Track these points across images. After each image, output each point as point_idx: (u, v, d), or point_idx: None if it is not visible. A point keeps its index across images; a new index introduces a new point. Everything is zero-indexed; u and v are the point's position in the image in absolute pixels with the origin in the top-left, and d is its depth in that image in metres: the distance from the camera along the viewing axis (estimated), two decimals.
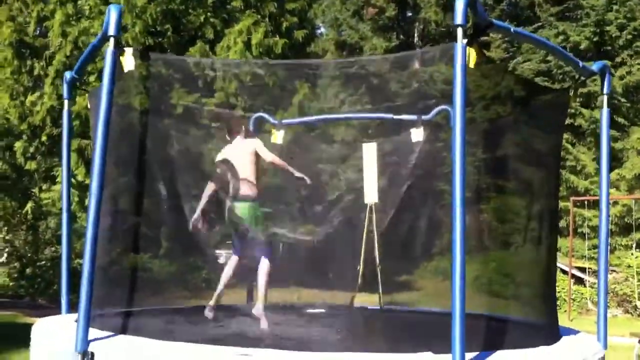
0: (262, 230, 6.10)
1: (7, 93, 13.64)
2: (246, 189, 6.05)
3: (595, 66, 5.53)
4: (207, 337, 4.89)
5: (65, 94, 6.10)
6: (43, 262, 16.96)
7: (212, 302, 6.12)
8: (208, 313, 6.05)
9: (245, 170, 6.09)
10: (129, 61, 4.50)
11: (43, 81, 13.63)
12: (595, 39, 21.94)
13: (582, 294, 16.86)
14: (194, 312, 6.36)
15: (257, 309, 6.01)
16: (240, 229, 6.13)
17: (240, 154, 6.17)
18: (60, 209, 7.28)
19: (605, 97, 5.58)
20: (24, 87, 13.75)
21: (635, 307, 15.65)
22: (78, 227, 11.91)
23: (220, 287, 6.21)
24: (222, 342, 4.25)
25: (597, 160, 11.70)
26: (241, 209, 6.06)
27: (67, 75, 6.04)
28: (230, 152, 6.29)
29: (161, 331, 4.99)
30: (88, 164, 12.31)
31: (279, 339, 5.26)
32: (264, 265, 6.11)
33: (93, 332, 4.20)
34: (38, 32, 14.80)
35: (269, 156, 6.15)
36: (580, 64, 5.47)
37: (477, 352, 3.96)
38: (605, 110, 5.58)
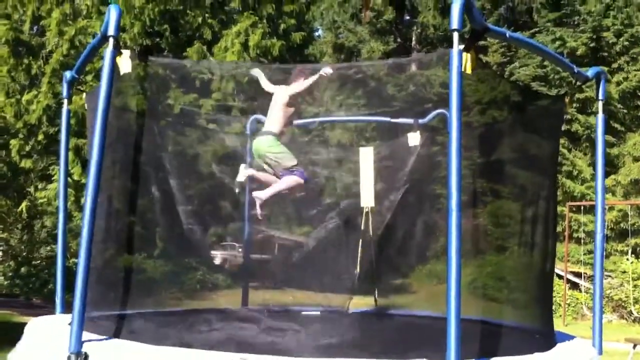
0: (287, 160, 6.08)
1: (3, 91, 13.62)
2: (269, 127, 6.16)
3: (590, 72, 5.54)
4: (201, 340, 4.88)
5: (64, 93, 6.10)
6: (38, 262, 16.94)
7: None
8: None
9: (275, 109, 6.21)
10: (125, 64, 4.50)
11: (39, 80, 13.61)
12: (592, 45, 21.99)
13: (577, 299, 16.87)
14: (188, 315, 6.34)
15: (261, 193, 6.09)
16: (266, 162, 6.17)
17: (277, 97, 6.27)
18: (56, 208, 7.27)
19: (600, 103, 5.60)
20: (20, 85, 13.73)
21: (630, 313, 15.67)
22: (73, 226, 11.89)
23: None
24: (215, 346, 4.23)
25: (593, 165, 11.73)
26: (259, 141, 6.14)
27: (67, 74, 6.03)
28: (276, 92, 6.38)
29: (154, 334, 4.98)
30: (84, 163, 12.29)
31: (273, 343, 5.24)
32: (291, 178, 6.11)
33: (87, 333, 4.18)
34: (34, 30, 14.78)
35: (298, 87, 6.20)
36: (576, 69, 5.48)
37: (473, 359, 3.95)
38: (600, 116, 5.60)
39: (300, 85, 6.20)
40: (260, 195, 6.13)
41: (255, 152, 6.21)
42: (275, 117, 6.17)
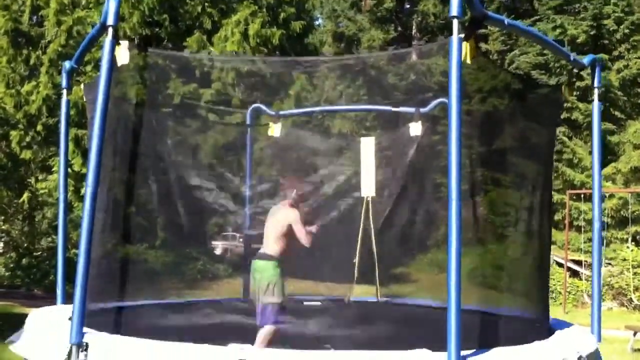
0: (275, 293, 5.97)
1: (3, 82, 13.60)
2: (269, 249, 6.11)
3: (585, 59, 5.54)
4: (202, 332, 4.89)
5: (64, 83, 6.07)
6: (39, 253, 16.96)
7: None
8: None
9: (274, 233, 6.14)
10: (123, 55, 4.48)
11: (39, 70, 13.59)
12: (592, 33, 21.92)
13: (577, 286, 16.91)
14: (189, 307, 6.35)
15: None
16: (257, 285, 6.07)
17: (277, 219, 6.22)
18: (57, 199, 7.27)
19: (596, 90, 5.60)
20: (20, 76, 13.71)
21: (631, 300, 15.70)
22: (74, 217, 11.90)
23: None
24: (216, 338, 4.24)
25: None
26: (259, 266, 6.08)
27: (67, 64, 6.00)
28: (272, 212, 6.37)
29: (155, 324, 5.00)
30: (84, 153, 12.30)
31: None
32: (265, 330, 5.93)
33: (88, 324, 4.19)
34: (34, 21, 14.75)
35: (299, 234, 6.12)
36: (571, 57, 5.48)
37: (474, 350, 3.96)
38: (596, 103, 5.60)
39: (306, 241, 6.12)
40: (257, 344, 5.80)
41: (253, 270, 6.12)
42: (272, 240, 6.11)
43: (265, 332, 5.88)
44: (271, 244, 6.10)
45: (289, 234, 6.11)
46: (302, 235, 6.10)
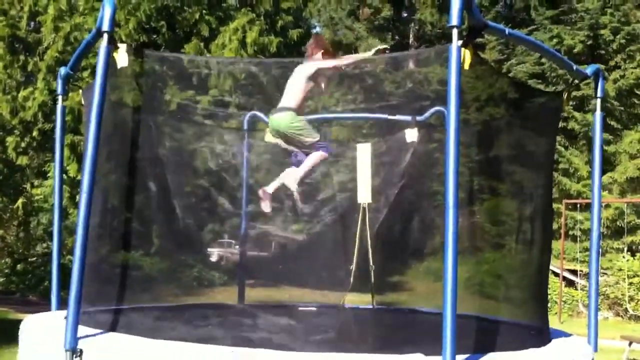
0: (309, 135, 5.89)
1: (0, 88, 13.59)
2: (286, 102, 5.93)
3: (588, 69, 5.52)
4: (197, 335, 4.87)
5: (59, 90, 6.06)
6: (34, 258, 16.92)
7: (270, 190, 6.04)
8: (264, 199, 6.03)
9: (295, 87, 5.96)
10: (122, 58, 4.48)
11: (35, 76, 13.58)
12: (589, 43, 22.01)
13: (573, 296, 16.90)
14: (184, 310, 6.33)
15: (292, 182, 5.97)
16: (286, 140, 5.97)
17: (298, 74, 6.02)
18: (52, 205, 7.25)
19: (598, 101, 5.58)
20: (16, 82, 13.69)
21: (626, 310, 15.70)
22: (69, 223, 11.87)
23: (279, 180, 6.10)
24: (211, 341, 4.23)
25: (590, 163, 11.70)
26: (278, 118, 5.91)
27: (62, 70, 6.00)
28: (296, 70, 6.12)
29: (150, 329, 4.97)
30: (80, 159, 12.27)
31: (269, 337, 5.23)
32: (317, 153, 5.94)
33: (82, 330, 4.17)
34: (31, 26, 14.75)
35: (330, 64, 6.01)
36: (574, 67, 5.47)
37: (468, 355, 3.95)
38: (598, 113, 5.58)
39: (335, 61, 6.02)
40: (292, 184, 5.97)
41: (273, 129, 5.95)
42: (293, 92, 5.91)
43: (318, 154, 5.90)
44: (291, 98, 5.90)
45: (309, 89, 5.97)
46: (332, 63, 5.97)
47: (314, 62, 5.96)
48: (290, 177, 6.01)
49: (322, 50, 6.06)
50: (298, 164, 6.08)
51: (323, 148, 5.95)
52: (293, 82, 5.97)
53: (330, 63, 5.99)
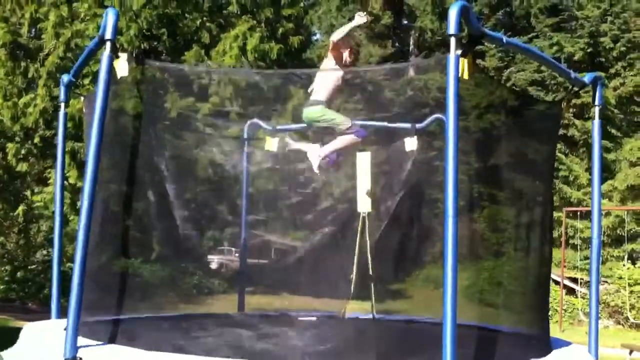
0: (341, 123, 6.18)
1: (0, 94, 13.58)
2: (317, 95, 6.25)
3: (587, 77, 5.53)
4: (196, 347, 4.86)
5: (61, 97, 6.08)
6: (34, 266, 16.88)
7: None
8: None
9: (325, 85, 6.29)
10: (122, 67, 4.48)
11: (37, 83, 13.58)
12: (589, 50, 22.05)
13: (573, 304, 16.87)
14: (183, 320, 6.31)
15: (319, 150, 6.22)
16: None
17: (327, 74, 6.36)
18: (52, 212, 7.25)
19: (597, 109, 5.59)
20: (17, 88, 13.70)
21: (627, 319, 15.66)
22: (70, 230, 11.86)
23: None
24: (211, 353, 4.22)
25: (590, 171, 11.70)
26: (310, 112, 6.25)
27: (65, 78, 6.01)
28: (324, 67, 6.49)
29: (150, 339, 4.96)
30: (80, 166, 12.27)
31: (269, 348, 5.23)
32: (347, 137, 6.24)
33: (82, 338, 4.16)
34: (33, 33, 14.77)
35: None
36: (572, 75, 5.48)
37: None
38: (597, 121, 5.59)
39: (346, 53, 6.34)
40: (319, 152, 6.26)
41: (307, 120, 6.34)
42: (325, 86, 6.25)
43: (345, 138, 6.21)
44: (321, 92, 6.23)
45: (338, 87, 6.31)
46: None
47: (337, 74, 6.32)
48: (314, 153, 6.32)
49: (349, 49, 6.42)
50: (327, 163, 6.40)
51: (356, 132, 6.27)
52: (321, 78, 6.35)
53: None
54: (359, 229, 6.91)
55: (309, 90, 6.41)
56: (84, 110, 6.20)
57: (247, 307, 7.69)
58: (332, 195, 8.38)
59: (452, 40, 3.86)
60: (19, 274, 16.67)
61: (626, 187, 20.18)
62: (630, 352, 10.28)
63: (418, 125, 7.57)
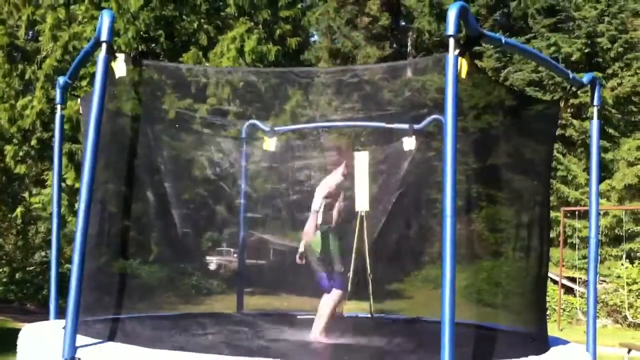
0: (336, 257, 6.18)
1: None
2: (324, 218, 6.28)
3: (585, 78, 5.54)
4: (196, 345, 4.87)
5: (58, 99, 6.07)
6: (33, 267, 16.88)
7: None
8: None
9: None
10: (120, 67, 4.48)
11: (34, 85, 13.59)
12: (586, 51, 22.10)
13: (572, 303, 16.88)
14: (182, 319, 6.31)
15: (313, 333, 6.05)
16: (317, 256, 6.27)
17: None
18: (50, 214, 7.25)
19: (595, 109, 5.60)
20: (15, 90, 13.70)
21: (625, 318, 15.68)
22: (68, 231, 11.85)
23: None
24: (210, 350, 4.22)
25: (588, 170, 11.73)
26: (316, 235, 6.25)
27: (61, 80, 6.01)
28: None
29: (149, 338, 4.96)
30: (78, 167, 12.27)
31: (268, 347, 5.23)
32: (332, 295, 6.15)
33: (81, 339, 4.16)
34: (30, 36, 14.78)
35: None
36: (570, 75, 5.49)
37: None
38: (595, 121, 5.60)
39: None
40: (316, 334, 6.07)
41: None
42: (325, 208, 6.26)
43: (333, 297, 6.16)
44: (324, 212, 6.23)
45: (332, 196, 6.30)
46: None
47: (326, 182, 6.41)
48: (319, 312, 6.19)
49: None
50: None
51: (337, 282, 6.27)
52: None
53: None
54: (357, 228, 6.92)
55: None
56: (80, 111, 6.19)
57: (246, 307, 7.70)
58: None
59: (451, 41, 3.87)
60: (17, 275, 16.67)
61: (624, 187, 20.22)
62: (629, 351, 10.28)
63: (416, 126, 7.57)
